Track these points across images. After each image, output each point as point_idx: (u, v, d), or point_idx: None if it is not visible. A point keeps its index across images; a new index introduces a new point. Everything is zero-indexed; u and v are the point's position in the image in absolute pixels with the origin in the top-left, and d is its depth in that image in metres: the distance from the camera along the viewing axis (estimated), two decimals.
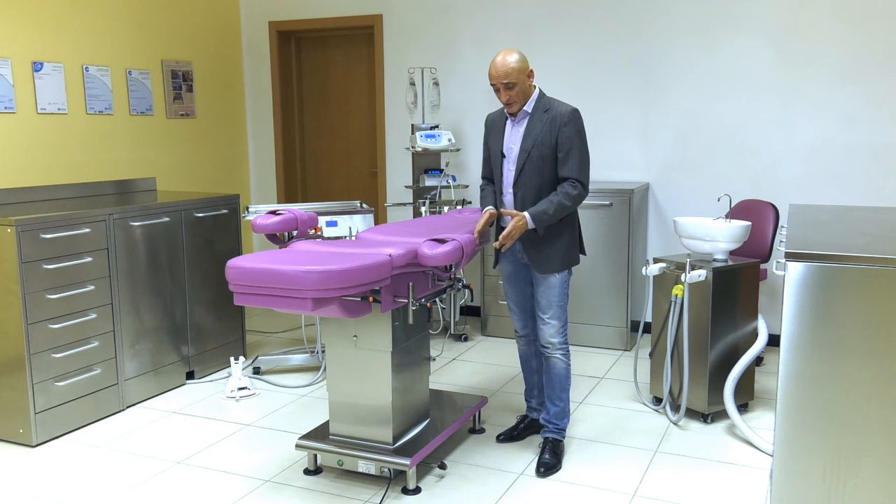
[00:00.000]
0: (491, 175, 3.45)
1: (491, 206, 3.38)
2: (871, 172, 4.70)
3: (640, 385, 4.38)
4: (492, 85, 3.25)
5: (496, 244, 3.27)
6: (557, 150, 3.23)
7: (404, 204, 5.54)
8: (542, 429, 3.53)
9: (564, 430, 3.49)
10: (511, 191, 3.33)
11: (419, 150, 5.20)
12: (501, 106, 3.54)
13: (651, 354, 4.05)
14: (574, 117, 3.22)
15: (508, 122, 3.35)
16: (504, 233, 3.21)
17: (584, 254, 3.51)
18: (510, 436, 3.66)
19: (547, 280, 3.33)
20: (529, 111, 3.29)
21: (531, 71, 3.26)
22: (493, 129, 3.42)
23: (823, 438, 2.30)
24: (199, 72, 5.85)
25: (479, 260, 5.49)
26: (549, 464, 3.36)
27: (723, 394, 3.80)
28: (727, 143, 5.02)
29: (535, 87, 3.30)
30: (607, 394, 4.26)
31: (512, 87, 3.19)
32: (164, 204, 4.28)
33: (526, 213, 3.20)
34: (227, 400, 4.22)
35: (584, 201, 3.27)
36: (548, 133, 3.23)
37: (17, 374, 3.59)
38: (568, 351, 3.42)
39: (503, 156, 3.37)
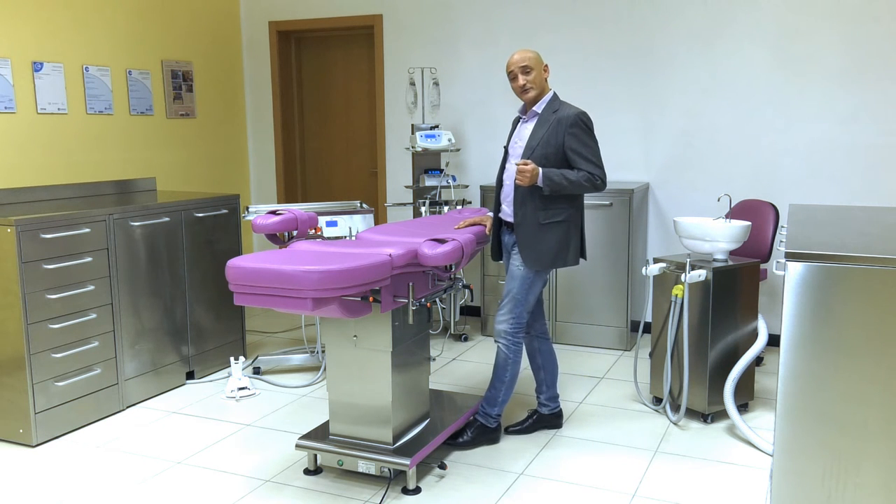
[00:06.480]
0: None
1: (490, 212, 3.52)
2: (871, 172, 4.70)
3: (640, 385, 4.38)
4: (508, 73, 3.37)
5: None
6: (566, 153, 3.31)
7: (404, 204, 5.54)
8: (552, 426, 3.71)
9: (491, 417, 3.55)
10: (511, 184, 3.42)
11: (419, 150, 5.19)
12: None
13: (651, 354, 4.04)
14: (578, 120, 3.30)
15: (520, 121, 3.47)
16: (522, 164, 3.20)
17: (584, 258, 3.59)
18: (519, 429, 3.71)
19: (512, 271, 3.44)
20: (539, 111, 3.39)
21: (547, 66, 3.39)
22: (511, 128, 3.56)
23: (823, 438, 2.30)
24: (199, 72, 5.85)
25: (479, 260, 5.49)
26: (461, 439, 3.50)
27: (723, 394, 3.80)
28: (727, 143, 5.01)
29: (550, 88, 3.43)
30: (607, 394, 4.26)
31: (529, 71, 3.32)
32: (164, 204, 4.28)
33: (539, 169, 3.23)
34: (227, 400, 4.22)
35: (596, 192, 3.37)
36: (553, 133, 3.31)
37: (17, 374, 3.59)
38: (513, 344, 3.45)
39: (507, 151, 3.49)
